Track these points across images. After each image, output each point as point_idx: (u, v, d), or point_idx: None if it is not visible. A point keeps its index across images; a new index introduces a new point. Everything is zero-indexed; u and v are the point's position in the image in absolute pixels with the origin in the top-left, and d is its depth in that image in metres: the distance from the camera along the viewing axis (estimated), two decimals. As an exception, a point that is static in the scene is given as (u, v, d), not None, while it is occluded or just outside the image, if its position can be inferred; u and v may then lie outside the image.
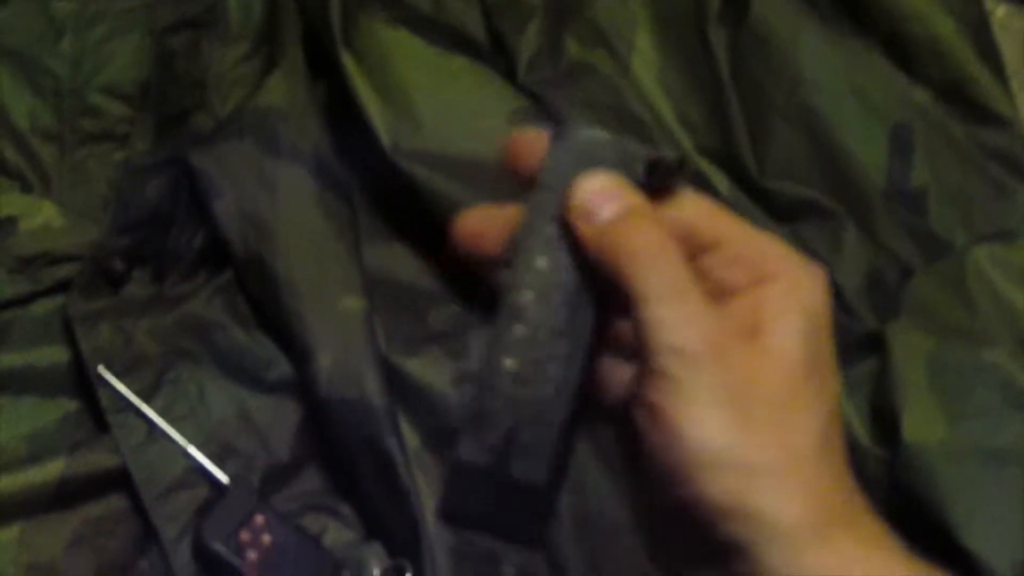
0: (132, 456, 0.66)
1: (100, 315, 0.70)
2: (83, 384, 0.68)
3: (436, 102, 0.72)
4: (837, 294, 0.68)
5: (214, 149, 0.73)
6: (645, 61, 0.77)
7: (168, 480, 0.66)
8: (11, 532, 0.65)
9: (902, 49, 0.74)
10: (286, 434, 0.68)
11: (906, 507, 0.60)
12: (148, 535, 0.66)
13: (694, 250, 0.41)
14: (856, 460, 0.62)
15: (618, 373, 0.42)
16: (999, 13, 0.77)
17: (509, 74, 0.76)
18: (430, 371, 0.69)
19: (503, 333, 0.40)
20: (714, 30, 0.76)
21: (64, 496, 0.66)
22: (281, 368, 0.69)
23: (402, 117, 0.72)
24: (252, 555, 0.64)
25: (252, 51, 0.78)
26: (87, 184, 0.75)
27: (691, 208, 0.42)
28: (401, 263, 0.73)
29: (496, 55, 0.77)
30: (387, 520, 0.66)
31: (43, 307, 0.71)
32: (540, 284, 0.40)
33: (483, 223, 0.43)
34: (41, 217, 0.73)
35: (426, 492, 0.64)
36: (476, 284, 0.69)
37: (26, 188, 0.75)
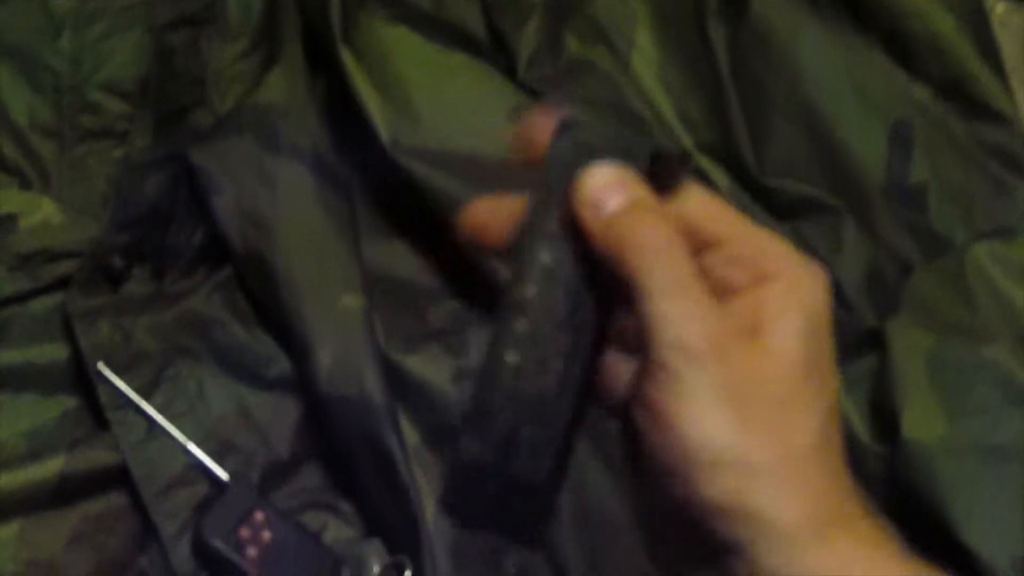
0: (132, 453, 0.66)
1: (99, 312, 0.70)
2: (83, 381, 0.68)
3: (435, 99, 0.72)
4: (837, 291, 0.68)
5: (213, 146, 0.73)
6: (645, 58, 0.77)
7: (168, 477, 0.66)
8: (11, 529, 0.65)
9: (902, 46, 0.73)
10: (286, 431, 0.68)
11: (906, 504, 0.60)
12: (148, 532, 0.66)
13: (696, 246, 0.41)
14: (856, 457, 0.62)
15: (619, 371, 0.42)
16: (999, 10, 0.77)
17: (509, 71, 0.76)
18: (430, 368, 0.69)
19: (505, 327, 0.39)
20: (714, 27, 0.76)
21: (64, 493, 0.66)
22: (281, 365, 0.69)
23: (401, 114, 0.71)
24: (252, 552, 0.64)
25: (251, 48, 0.78)
26: (86, 181, 0.75)
27: (694, 203, 0.42)
28: (401, 260, 0.73)
29: (496, 52, 0.77)
30: (387, 517, 0.66)
31: (42, 304, 0.71)
32: (543, 278, 0.40)
33: (489, 215, 0.43)
34: (40, 214, 0.73)
35: (426, 489, 0.64)
36: (476, 281, 0.70)
37: (25, 185, 0.75)
